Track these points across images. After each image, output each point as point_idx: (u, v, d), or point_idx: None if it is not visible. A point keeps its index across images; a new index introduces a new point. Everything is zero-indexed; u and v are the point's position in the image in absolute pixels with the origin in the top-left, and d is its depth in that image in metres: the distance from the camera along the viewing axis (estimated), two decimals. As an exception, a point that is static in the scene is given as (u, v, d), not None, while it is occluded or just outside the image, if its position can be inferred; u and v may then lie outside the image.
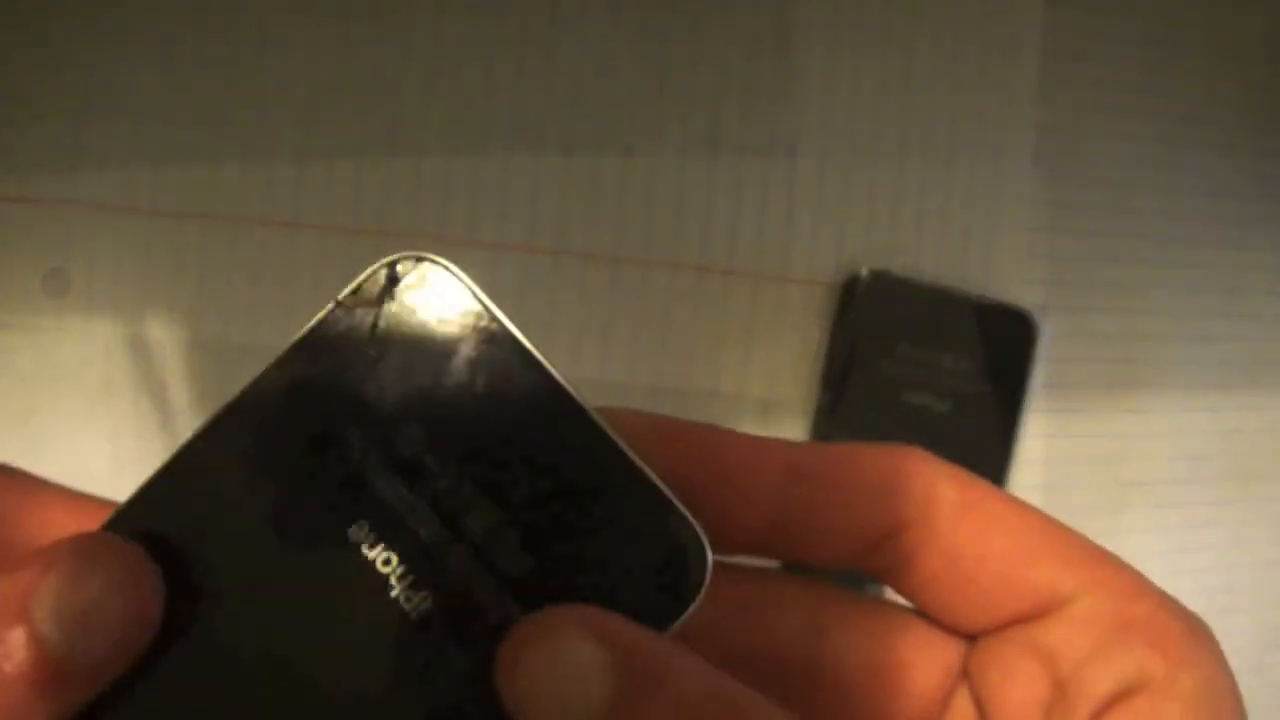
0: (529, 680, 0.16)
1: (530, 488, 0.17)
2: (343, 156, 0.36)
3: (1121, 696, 0.18)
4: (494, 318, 0.18)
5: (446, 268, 0.18)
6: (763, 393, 0.38)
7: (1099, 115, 0.41)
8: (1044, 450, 0.40)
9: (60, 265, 0.35)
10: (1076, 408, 0.40)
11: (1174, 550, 0.38)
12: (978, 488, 0.20)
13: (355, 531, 0.17)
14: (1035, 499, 0.39)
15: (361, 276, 0.18)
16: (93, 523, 0.17)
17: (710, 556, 0.17)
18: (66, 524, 0.18)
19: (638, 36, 0.37)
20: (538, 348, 0.18)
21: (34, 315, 0.35)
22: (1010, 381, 0.39)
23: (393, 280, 0.18)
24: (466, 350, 0.18)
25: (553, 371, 0.18)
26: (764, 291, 0.38)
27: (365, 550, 0.17)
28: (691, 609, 0.17)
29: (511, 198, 0.37)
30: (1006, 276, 0.40)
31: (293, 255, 0.36)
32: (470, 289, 0.18)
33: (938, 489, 0.20)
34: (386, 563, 0.17)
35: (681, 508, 0.17)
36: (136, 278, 0.35)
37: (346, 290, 0.18)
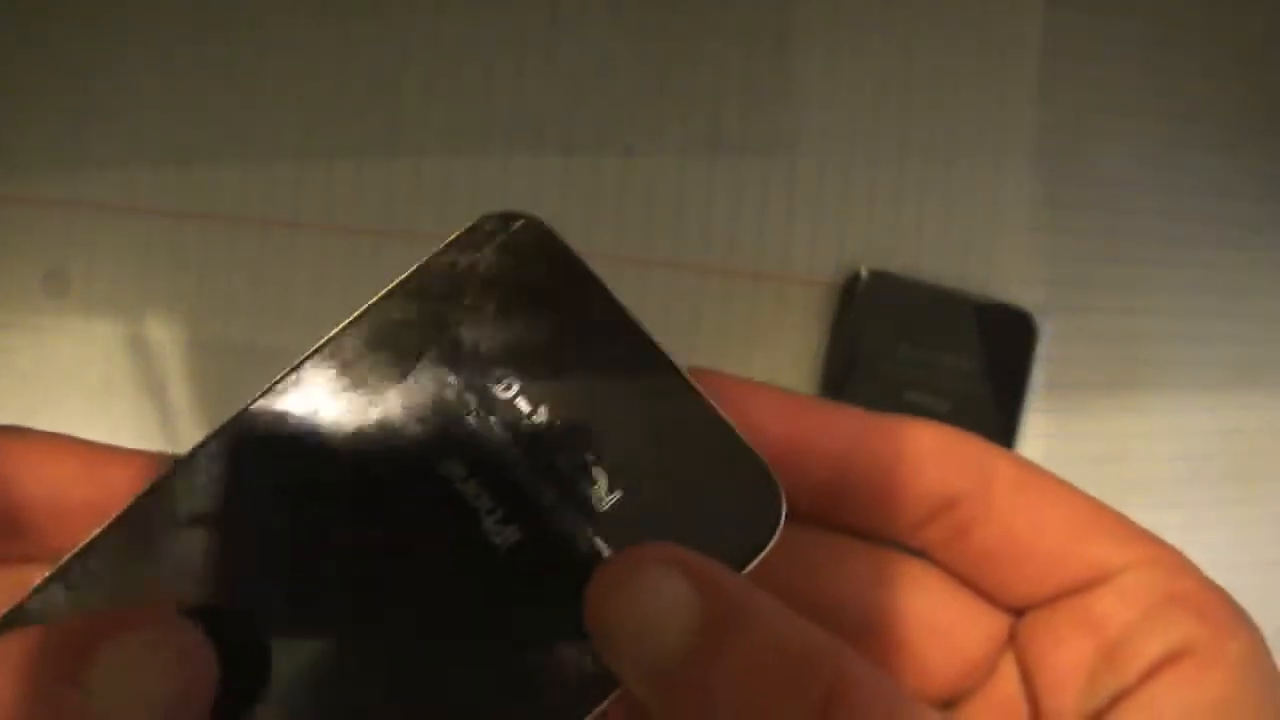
0: (617, 614, 0.16)
1: (618, 431, 0.18)
2: (343, 156, 0.36)
3: (1168, 661, 0.19)
4: (587, 273, 0.19)
5: (544, 226, 0.19)
6: (763, 393, 0.38)
7: (1099, 115, 0.41)
8: (1044, 450, 0.40)
9: (60, 265, 0.35)
10: (1076, 408, 0.40)
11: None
12: (1032, 467, 0.21)
13: (447, 466, 0.18)
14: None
15: (466, 226, 0.19)
16: (111, 472, 0.18)
17: (784, 503, 0.18)
18: (79, 476, 0.19)
19: (638, 36, 0.37)
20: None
21: (34, 315, 0.35)
22: (1010, 381, 0.39)
23: (495, 232, 0.19)
24: (560, 302, 0.19)
25: (642, 326, 0.19)
26: (764, 291, 0.38)
27: (457, 485, 0.18)
28: (764, 553, 0.18)
29: (512, 198, 0.37)
30: (1006, 276, 0.40)
31: (293, 255, 0.36)
32: (565, 246, 0.19)
33: (996, 464, 0.20)
34: (477, 497, 0.18)
35: (760, 456, 0.18)
36: (136, 278, 0.35)
37: (450, 238, 0.19)
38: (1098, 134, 0.41)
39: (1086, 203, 0.41)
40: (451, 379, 0.18)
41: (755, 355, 0.38)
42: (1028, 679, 0.21)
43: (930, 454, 0.20)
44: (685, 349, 0.36)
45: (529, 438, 0.18)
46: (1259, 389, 0.42)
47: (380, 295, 0.19)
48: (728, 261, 0.38)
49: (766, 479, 0.18)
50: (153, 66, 0.35)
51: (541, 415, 0.18)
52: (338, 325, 0.19)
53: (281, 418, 0.18)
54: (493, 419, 0.18)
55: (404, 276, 0.19)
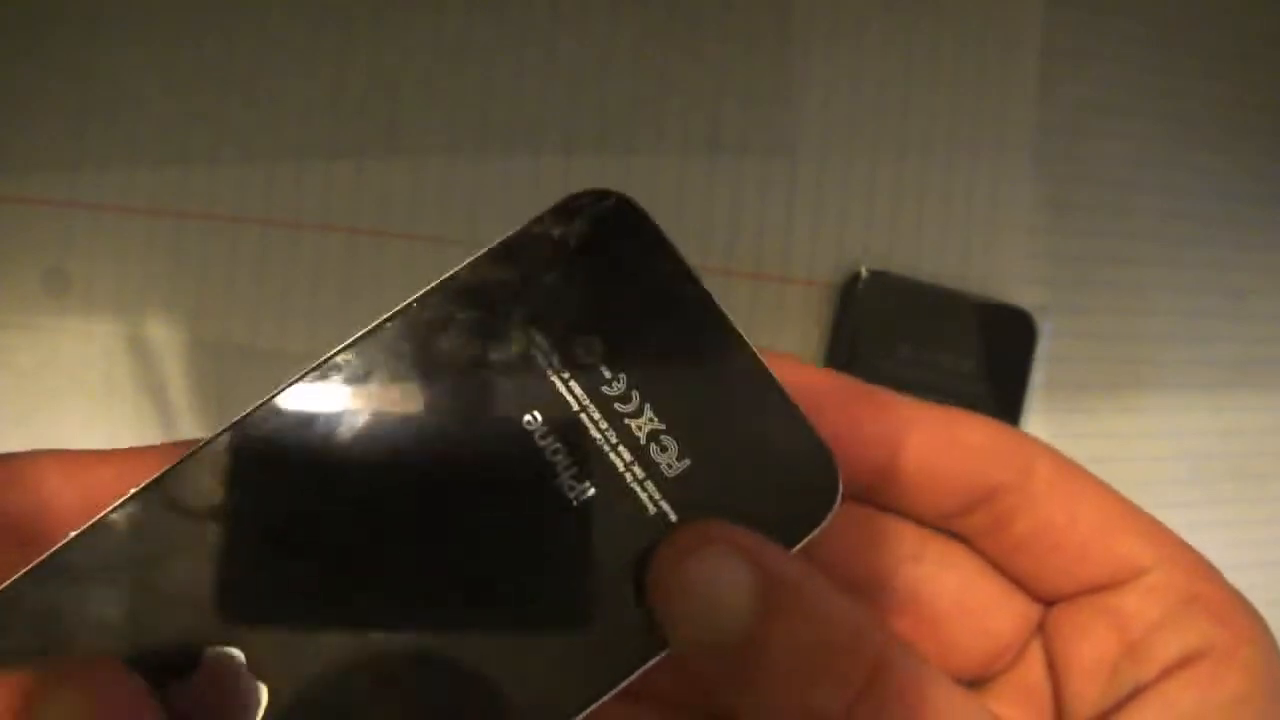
0: (679, 588, 0.18)
1: (692, 404, 0.20)
2: (343, 156, 0.36)
3: (1188, 661, 0.20)
4: (673, 252, 0.20)
5: (634, 205, 0.20)
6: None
7: (1099, 115, 0.41)
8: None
9: (60, 265, 0.35)
10: (1076, 408, 0.40)
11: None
12: (1070, 463, 0.22)
13: (529, 420, 0.19)
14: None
15: (560, 199, 0.20)
16: (145, 472, 0.18)
17: (841, 484, 0.19)
18: (113, 483, 0.19)
19: (638, 36, 0.37)
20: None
21: (34, 315, 0.35)
22: (1009, 382, 0.39)
23: (587, 207, 0.20)
24: (645, 277, 0.20)
25: (721, 307, 0.20)
26: (764, 291, 0.38)
27: (537, 439, 0.19)
28: (820, 528, 0.19)
29: (512, 198, 0.37)
30: (1006, 276, 0.40)
31: (293, 255, 0.36)
32: (654, 225, 0.20)
33: (1037, 459, 0.21)
34: (555, 452, 0.19)
35: (823, 440, 0.20)
36: (137, 278, 0.35)
37: (546, 209, 0.20)
38: (1098, 134, 0.41)
39: (1087, 203, 0.41)
40: (539, 339, 0.19)
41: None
42: (1053, 667, 0.22)
43: (979, 447, 0.21)
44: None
45: (607, 403, 0.19)
46: (1259, 389, 0.42)
47: (473, 259, 0.20)
48: (727, 262, 0.38)
49: (827, 462, 0.19)
50: (153, 66, 0.35)
51: (620, 383, 0.19)
52: (427, 284, 0.20)
53: (368, 368, 0.19)
54: (574, 382, 0.19)
55: (496, 243, 0.20)
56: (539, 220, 0.20)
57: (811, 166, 0.38)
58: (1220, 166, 0.42)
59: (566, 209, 0.20)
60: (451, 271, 0.20)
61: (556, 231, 0.20)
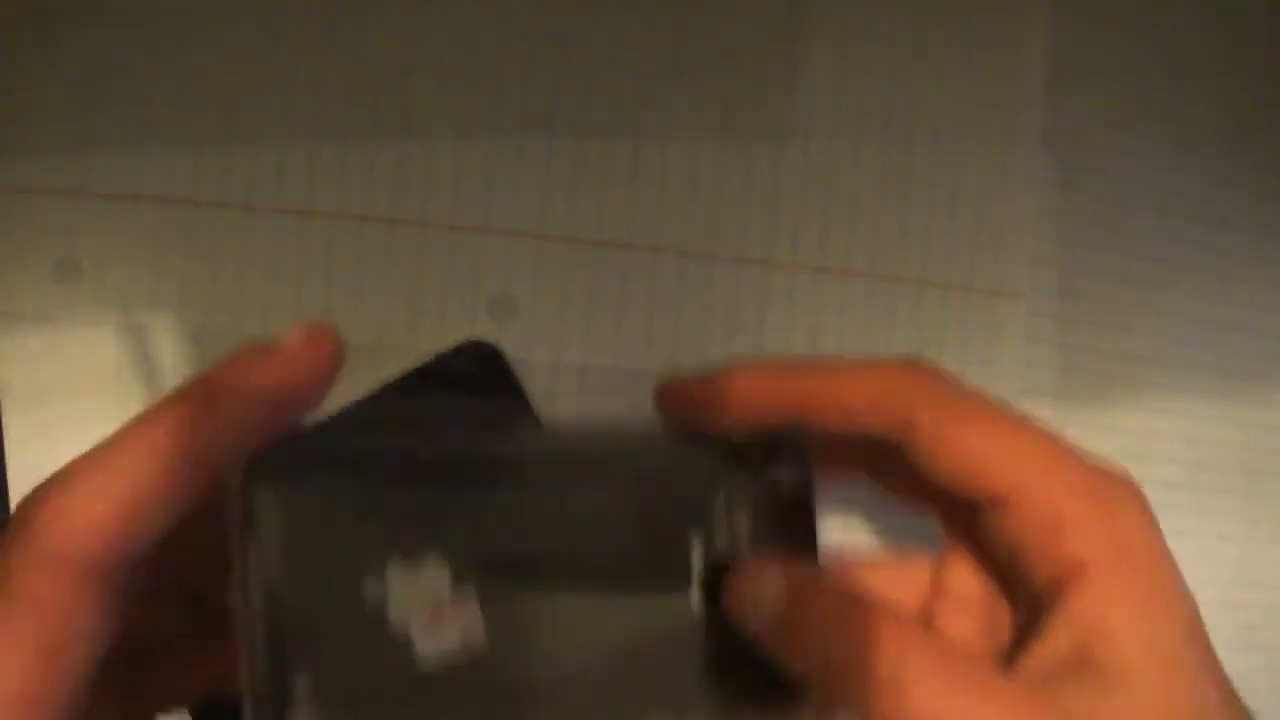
0: (742, 594, 0.25)
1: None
2: (355, 141, 0.36)
3: (1059, 584, 0.24)
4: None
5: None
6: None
7: (1107, 128, 0.40)
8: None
9: (70, 254, 0.35)
10: (1082, 409, 0.40)
11: (1187, 555, 0.38)
12: (958, 399, 0.26)
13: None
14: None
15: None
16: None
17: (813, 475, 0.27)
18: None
19: (651, 20, 0.37)
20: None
21: (44, 304, 0.35)
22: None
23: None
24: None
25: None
26: (774, 279, 0.38)
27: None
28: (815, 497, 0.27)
29: (524, 184, 0.37)
30: (1008, 277, 0.39)
31: (305, 242, 0.36)
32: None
33: (919, 401, 0.26)
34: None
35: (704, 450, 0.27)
36: (147, 266, 0.35)
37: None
38: (1103, 146, 0.40)
39: (1092, 215, 0.40)
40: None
41: (751, 348, 0.38)
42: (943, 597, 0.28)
43: (861, 403, 0.26)
44: (696, 337, 0.36)
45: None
46: (1272, 388, 0.42)
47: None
48: (739, 249, 0.38)
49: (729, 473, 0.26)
50: (163, 54, 0.35)
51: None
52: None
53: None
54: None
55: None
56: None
57: (820, 155, 0.38)
58: (1227, 165, 0.42)
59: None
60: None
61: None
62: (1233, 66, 0.42)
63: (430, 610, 0.23)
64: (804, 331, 0.38)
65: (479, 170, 0.36)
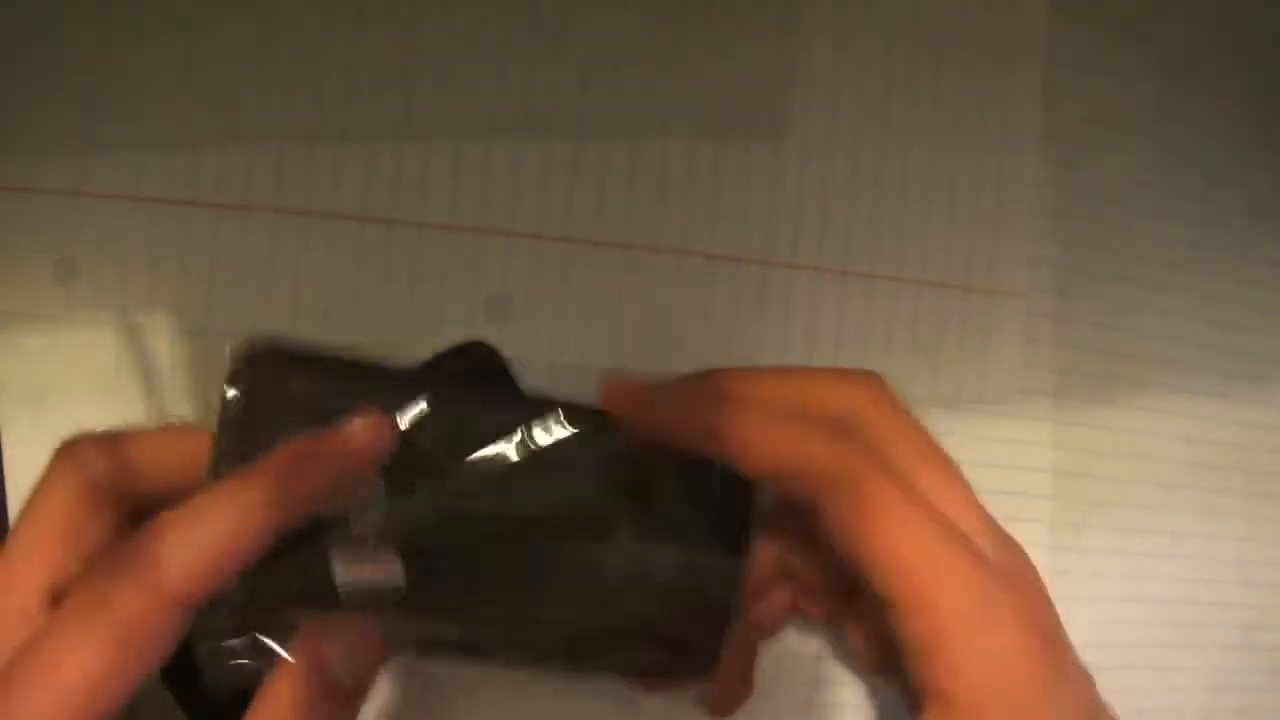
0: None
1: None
2: (354, 143, 0.36)
3: (931, 701, 0.25)
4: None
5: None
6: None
7: (1103, 129, 0.40)
8: (1051, 457, 0.39)
9: (69, 254, 0.35)
10: (1081, 409, 0.40)
11: (1186, 555, 0.38)
12: (871, 475, 0.27)
13: None
14: (1047, 487, 0.39)
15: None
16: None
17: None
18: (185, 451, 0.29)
19: (649, 21, 0.37)
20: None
21: (43, 304, 0.35)
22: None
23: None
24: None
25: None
26: (772, 277, 0.38)
27: None
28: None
29: (522, 184, 0.37)
30: (1007, 278, 0.39)
31: (303, 243, 0.36)
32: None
33: (826, 480, 0.27)
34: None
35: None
36: (146, 266, 0.35)
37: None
38: (1101, 147, 0.40)
39: (1090, 215, 0.40)
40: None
41: (750, 346, 0.38)
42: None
43: (784, 461, 0.28)
44: (696, 337, 0.36)
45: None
46: (1272, 388, 0.42)
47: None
48: (735, 249, 0.38)
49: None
50: (163, 54, 0.35)
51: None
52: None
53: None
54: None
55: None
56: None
57: (818, 155, 0.38)
58: (1222, 168, 0.42)
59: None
60: None
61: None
62: (1232, 67, 0.42)
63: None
64: (802, 331, 0.38)
65: (477, 170, 0.36)
